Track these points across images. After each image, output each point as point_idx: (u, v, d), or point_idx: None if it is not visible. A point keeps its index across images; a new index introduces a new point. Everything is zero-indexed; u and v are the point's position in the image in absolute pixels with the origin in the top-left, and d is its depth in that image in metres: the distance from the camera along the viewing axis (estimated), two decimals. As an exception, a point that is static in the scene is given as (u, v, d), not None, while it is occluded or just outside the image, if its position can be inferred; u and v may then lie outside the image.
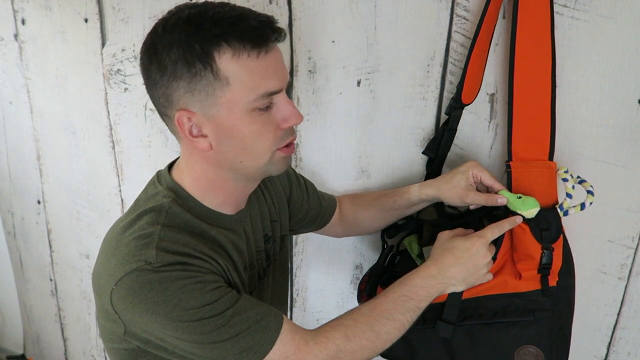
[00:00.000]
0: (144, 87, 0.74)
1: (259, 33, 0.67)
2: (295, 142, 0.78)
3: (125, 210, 1.42)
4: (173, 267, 0.67)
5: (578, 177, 0.85)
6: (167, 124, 0.76)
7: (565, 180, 0.83)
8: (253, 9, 0.76)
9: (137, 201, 0.79)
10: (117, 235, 0.72)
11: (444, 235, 0.85)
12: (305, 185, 1.03)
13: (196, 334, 0.67)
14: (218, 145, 0.72)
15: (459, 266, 0.80)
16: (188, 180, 0.77)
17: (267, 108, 0.71)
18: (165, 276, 0.66)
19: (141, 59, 0.72)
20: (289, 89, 1.10)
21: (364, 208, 1.04)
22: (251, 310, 0.71)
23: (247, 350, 0.68)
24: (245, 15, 0.67)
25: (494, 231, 0.82)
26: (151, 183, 0.81)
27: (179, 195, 0.76)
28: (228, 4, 0.69)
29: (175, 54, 0.66)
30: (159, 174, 0.81)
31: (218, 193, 0.78)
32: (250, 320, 0.69)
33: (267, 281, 0.94)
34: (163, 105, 0.72)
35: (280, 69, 0.71)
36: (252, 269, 0.87)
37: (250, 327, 0.69)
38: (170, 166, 0.82)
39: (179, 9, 0.69)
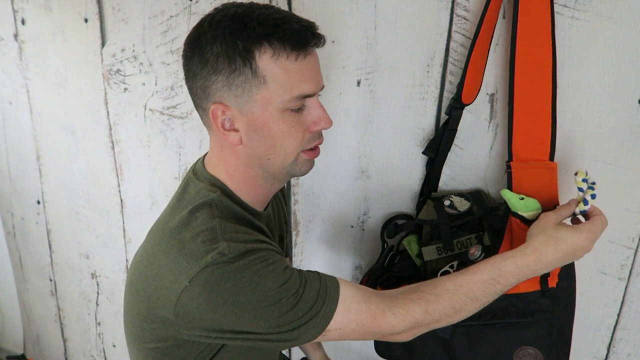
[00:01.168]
0: (184, 79, 0.76)
1: (300, 36, 0.69)
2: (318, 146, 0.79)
3: (126, 210, 1.42)
4: (245, 255, 0.68)
5: (593, 183, 0.81)
6: (200, 116, 0.78)
7: (580, 190, 0.79)
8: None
9: (181, 199, 0.78)
10: (175, 234, 0.71)
11: (549, 219, 0.77)
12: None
13: (274, 317, 0.68)
14: (248, 141, 0.73)
15: (559, 259, 0.75)
16: (224, 174, 0.78)
17: (299, 110, 0.73)
18: (239, 265, 0.67)
19: (184, 50, 0.74)
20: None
21: None
22: (314, 281, 0.72)
23: (314, 317, 0.70)
24: (288, 18, 0.70)
25: (604, 224, 0.77)
26: (190, 180, 0.80)
27: (222, 189, 0.77)
28: (272, 6, 0.72)
29: (218, 49, 0.68)
30: (195, 171, 0.81)
31: (250, 189, 0.79)
32: (315, 291, 0.71)
33: None
34: (199, 97, 0.74)
35: (316, 73, 0.73)
36: None
37: (318, 298, 0.70)
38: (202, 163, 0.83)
39: (225, 7, 0.72)
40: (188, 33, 0.75)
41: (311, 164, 0.79)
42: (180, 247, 0.70)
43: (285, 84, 0.69)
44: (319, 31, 0.72)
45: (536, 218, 0.82)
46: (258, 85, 0.69)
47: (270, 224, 0.87)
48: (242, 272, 0.67)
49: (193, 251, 0.68)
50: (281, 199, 1.00)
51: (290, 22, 0.69)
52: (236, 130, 0.73)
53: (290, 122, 0.72)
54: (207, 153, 0.84)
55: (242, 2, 0.73)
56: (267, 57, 0.68)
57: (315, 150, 0.78)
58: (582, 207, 0.78)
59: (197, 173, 0.80)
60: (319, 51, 0.77)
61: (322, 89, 0.76)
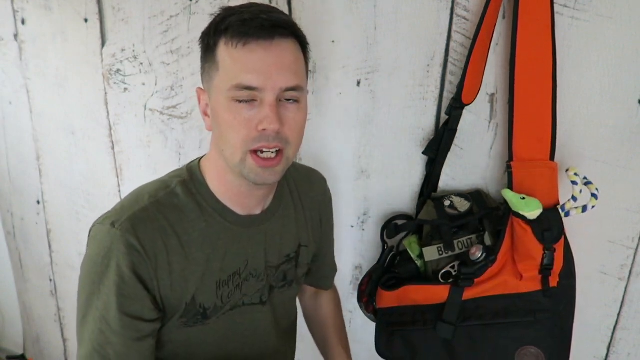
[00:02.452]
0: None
1: (247, 26, 0.68)
2: (273, 157, 0.72)
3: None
4: (119, 240, 0.71)
5: (585, 178, 0.85)
6: None
7: (574, 183, 0.82)
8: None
9: (170, 172, 0.84)
10: (139, 187, 0.80)
11: None
12: (327, 230, 1.03)
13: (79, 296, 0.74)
14: (213, 128, 0.76)
15: None
16: (207, 164, 0.81)
17: (249, 103, 0.70)
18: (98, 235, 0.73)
19: None
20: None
21: (318, 323, 1.07)
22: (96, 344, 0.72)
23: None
24: (251, 10, 0.70)
25: None
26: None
27: (193, 178, 0.80)
28: (257, 4, 0.74)
29: (202, 37, 0.75)
30: (197, 158, 0.85)
31: (221, 182, 0.79)
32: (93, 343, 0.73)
33: (274, 306, 0.91)
34: None
35: (267, 68, 0.68)
36: (259, 279, 0.85)
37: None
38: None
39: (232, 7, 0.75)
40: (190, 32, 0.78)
41: (263, 174, 0.73)
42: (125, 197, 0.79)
43: (230, 71, 0.69)
44: (274, 23, 0.68)
45: (538, 217, 0.82)
46: (215, 72, 0.71)
47: (257, 234, 0.83)
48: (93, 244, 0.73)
49: (117, 206, 0.76)
50: (307, 221, 0.94)
51: (250, 12, 0.69)
52: (209, 116, 0.76)
53: (234, 113, 0.70)
54: None
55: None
56: (222, 44, 0.70)
57: (265, 160, 0.71)
58: (571, 204, 0.80)
59: (195, 159, 0.84)
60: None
61: (286, 89, 0.70)
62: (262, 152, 0.71)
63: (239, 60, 0.68)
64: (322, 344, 1.05)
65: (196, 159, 0.84)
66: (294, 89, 0.71)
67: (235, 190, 0.79)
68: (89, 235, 0.75)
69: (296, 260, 0.92)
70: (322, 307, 1.07)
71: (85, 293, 0.73)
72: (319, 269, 1.04)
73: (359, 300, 1.06)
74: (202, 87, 0.77)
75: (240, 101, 0.69)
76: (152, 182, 0.80)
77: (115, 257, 0.71)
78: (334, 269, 1.10)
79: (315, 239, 0.97)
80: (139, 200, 0.76)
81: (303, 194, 0.94)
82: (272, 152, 0.71)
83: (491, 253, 0.87)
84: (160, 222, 0.74)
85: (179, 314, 0.77)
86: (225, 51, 0.70)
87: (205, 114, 0.77)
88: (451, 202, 0.97)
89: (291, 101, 0.72)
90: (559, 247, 0.85)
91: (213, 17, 0.74)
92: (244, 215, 0.82)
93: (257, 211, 0.84)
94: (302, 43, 0.75)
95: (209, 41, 0.72)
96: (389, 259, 1.04)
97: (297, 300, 1.07)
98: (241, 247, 0.82)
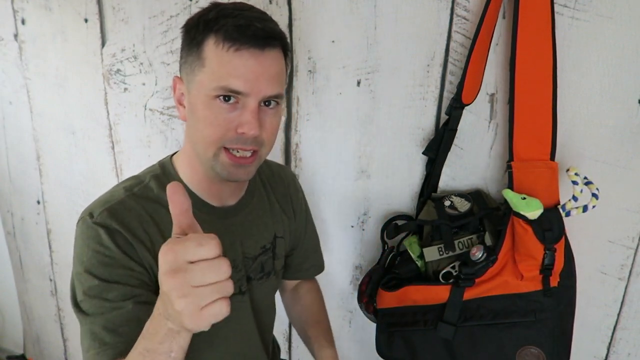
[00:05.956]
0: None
1: (240, 32, 0.69)
2: (247, 156, 0.75)
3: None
4: (101, 227, 0.72)
5: (585, 177, 0.85)
6: None
7: (575, 183, 0.83)
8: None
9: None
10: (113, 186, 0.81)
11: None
12: (306, 223, 1.05)
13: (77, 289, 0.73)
14: (188, 119, 0.77)
15: (169, 315, 0.55)
16: (180, 157, 0.83)
17: (231, 104, 0.71)
18: (86, 231, 0.73)
19: None
20: (288, 89, 1.09)
21: (297, 312, 1.08)
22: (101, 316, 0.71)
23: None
24: (244, 15, 0.71)
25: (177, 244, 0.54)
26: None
27: (165, 172, 0.82)
28: (247, 5, 0.75)
29: (185, 29, 0.75)
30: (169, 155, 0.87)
31: (194, 174, 0.81)
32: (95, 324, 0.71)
33: (253, 297, 0.91)
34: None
35: (256, 77, 0.71)
36: (236, 270, 0.86)
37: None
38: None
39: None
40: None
41: (236, 172, 0.75)
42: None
43: (217, 71, 0.70)
44: (266, 33, 0.71)
45: (538, 217, 0.82)
46: (199, 68, 0.72)
47: (233, 225, 0.85)
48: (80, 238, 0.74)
49: (92, 204, 0.77)
50: (281, 214, 0.96)
51: (245, 17, 0.70)
52: (184, 107, 0.77)
53: (215, 112, 0.71)
54: None
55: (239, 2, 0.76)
56: (212, 42, 0.71)
57: (239, 158, 0.74)
58: (572, 204, 0.80)
59: (167, 156, 0.86)
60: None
61: (269, 97, 0.73)
62: (237, 150, 0.74)
63: (229, 64, 0.70)
64: (303, 335, 1.05)
65: (168, 155, 0.86)
66: (275, 97, 0.74)
67: (209, 182, 0.82)
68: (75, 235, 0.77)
69: (273, 251, 0.93)
70: (301, 298, 1.08)
71: (78, 283, 0.73)
72: (299, 263, 1.05)
73: (359, 300, 1.06)
74: (180, 77, 0.78)
75: (222, 101, 0.71)
76: (125, 179, 0.82)
77: (98, 242, 0.72)
78: (318, 266, 1.10)
79: (290, 230, 0.99)
80: (114, 194, 0.77)
81: (274, 188, 0.97)
82: (248, 152, 0.75)
83: (492, 253, 0.87)
84: (139, 211, 0.76)
85: None
86: (214, 51, 0.70)
87: (180, 103, 0.78)
88: (451, 202, 0.97)
89: (270, 105, 0.75)
90: (560, 247, 0.85)
91: (207, 7, 0.74)
92: (219, 206, 0.84)
93: (232, 202, 0.86)
94: (286, 52, 0.79)
95: (196, 35, 0.72)
96: (389, 259, 1.04)
97: (278, 299, 1.08)
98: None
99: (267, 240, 0.92)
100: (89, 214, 0.75)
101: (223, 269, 0.51)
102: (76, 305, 0.73)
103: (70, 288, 0.75)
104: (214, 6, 0.73)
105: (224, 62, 0.70)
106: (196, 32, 0.72)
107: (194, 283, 0.50)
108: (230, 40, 0.69)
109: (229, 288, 0.51)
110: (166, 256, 0.51)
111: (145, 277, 0.74)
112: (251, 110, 0.71)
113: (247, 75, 0.70)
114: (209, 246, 0.51)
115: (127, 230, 0.73)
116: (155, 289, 0.74)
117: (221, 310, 0.51)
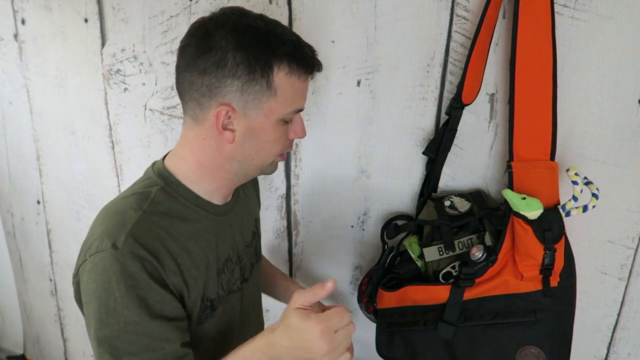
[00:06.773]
0: (181, 68, 0.78)
1: (312, 62, 0.79)
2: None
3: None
4: (133, 259, 0.69)
5: (585, 177, 0.85)
6: (190, 108, 0.79)
7: (575, 183, 0.83)
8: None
9: (133, 185, 0.84)
10: (103, 210, 0.78)
11: (291, 302, 0.70)
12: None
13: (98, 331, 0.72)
14: (241, 141, 0.78)
15: (293, 347, 0.68)
16: (183, 165, 0.81)
17: (287, 121, 0.81)
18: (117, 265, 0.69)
19: (196, 43, 0.75)
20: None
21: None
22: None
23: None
24: (301, 43, 0.78)
25: (338, 317, 0.69)
26: (147, 170, 0.86)
27: (168, 182, 0.81)
28: (284, 25, 0.79)
29: (241, 57, 0.73)
30: (154, 163, 0.86)
31: (214, 180, 0.83)
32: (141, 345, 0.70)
33: (252, 283, 0.99)
34: (201, 93, 0.75)
35: (307, 91, 0.83)
36: (240, 260, 0.93)
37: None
38: (166, 156, 0.87)
39: (245, 14, 0.76)
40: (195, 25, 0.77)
41: (277, 165, 0.89)
42: (97, 223, 0.75)
43: (290, 98, 0.78)
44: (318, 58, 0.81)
45: (538, 217, 0.82)
46: (269, 96, 0.75)
47: (233, 218, 0.90)
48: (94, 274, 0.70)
49: (104, 230, 0.72)
50: (253, 198, 1.05)
51: (304, 46, 0.78)
52: (232, 131, 0.77)
53: (280, 131, 0.80)
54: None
55: (256, 14, 0.76)
56: (283, 73, 0.75)
57: (283, 155, 0.87)
58: (572, 204, 0.80)
59: (154, 165, 0.85)
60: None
61: None
62: None
63: (299, 90, 0.79)
64: (270, 290, 1.15)
65: (155, 165, 0.84)
66: None
67: (229, 186, 0.86)
68: (77, 275, 0.74)
69: (257, 233, 1.04)
70: (263, 268, 1.16)
71: (99, 327, 0.71)
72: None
73: (359, 300, 1.06)
74: (225, 103, 0.74)
75: (286, 121, 0.80)
76: (123, 198, 0.77)
77: (130, 275, 0.68)
78: None
79: (258, 209, 1.10)
80: (126, 217, 0.73)
81: None
82: None
83: (492, 253, 0.87)
84: (157, 231, 0.74)
85: (196, 314, 0.79)
86: (287, 80, 0.76)
87: (225, 129, 0.76)
88: (451, 202, 0.97)
89: None
90: (560, 247, 0.85)
91: (250, 30, 0.73)
92: (221, 204, 0.87)
93: (230, 198, 0.90)
94: None
95: (257, 65, 0.73)
96: (389, 259, 1.04)
97: None
98: (226, 234, 0.88)
99: (253, 224, 1.01)
100: (111, 244, 0.69)
101: (352, 329, 0.70)
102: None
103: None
104: (267, 29, 0.74)
105: (296, 89, 0.78)
106: (258, 63, 0.73)
107: (339, 346, 0.68)
108: (304, 73, 0.78)
109: (350, 340, 0.71)
110: (323, 336, 0.66)
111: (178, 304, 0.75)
112: (301, 119, 0.84)
113: (305, 94, 0.82)
114: (347, 317, 0.69)
115: (153, 257, 0.71)
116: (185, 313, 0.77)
117: (347, 357, 0.69)
